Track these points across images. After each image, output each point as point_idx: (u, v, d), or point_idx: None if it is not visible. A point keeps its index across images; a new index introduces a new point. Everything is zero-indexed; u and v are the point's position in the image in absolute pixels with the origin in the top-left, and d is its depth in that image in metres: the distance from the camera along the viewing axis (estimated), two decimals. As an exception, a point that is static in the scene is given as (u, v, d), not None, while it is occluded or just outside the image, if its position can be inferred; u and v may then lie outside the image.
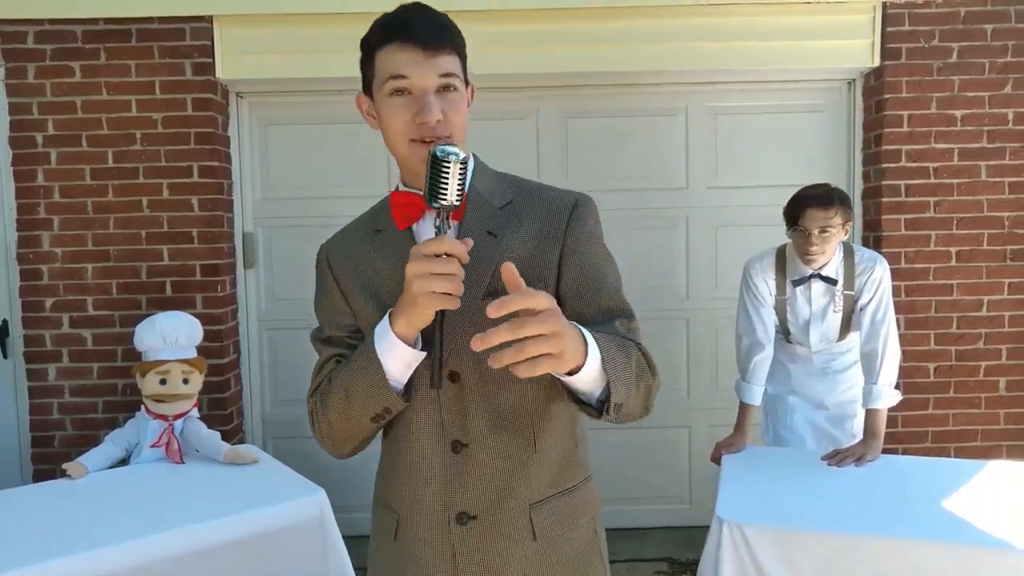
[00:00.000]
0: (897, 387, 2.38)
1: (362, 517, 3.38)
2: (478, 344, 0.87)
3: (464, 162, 1.01)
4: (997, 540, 1.79)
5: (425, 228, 1.18)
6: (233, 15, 3.07)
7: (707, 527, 1.98)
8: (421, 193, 1.09)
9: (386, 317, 1.07)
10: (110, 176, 3.09)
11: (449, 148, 1.00)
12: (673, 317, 3.47)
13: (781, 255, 2.49)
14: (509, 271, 0.93)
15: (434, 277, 0.97)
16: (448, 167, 1.00)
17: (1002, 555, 1.76)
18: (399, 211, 1.17)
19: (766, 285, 2.47)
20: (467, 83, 1.18)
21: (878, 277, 2.37)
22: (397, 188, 1.24)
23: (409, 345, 1.06)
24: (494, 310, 0.88)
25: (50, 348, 3.13)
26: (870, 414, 2.34)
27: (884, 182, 3.19)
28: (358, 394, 1.10)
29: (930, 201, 3.19)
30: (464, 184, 1.02)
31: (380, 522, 1.27)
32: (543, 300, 0.90)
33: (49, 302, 3.12)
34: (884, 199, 3.19)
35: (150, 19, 3.04)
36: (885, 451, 2.34)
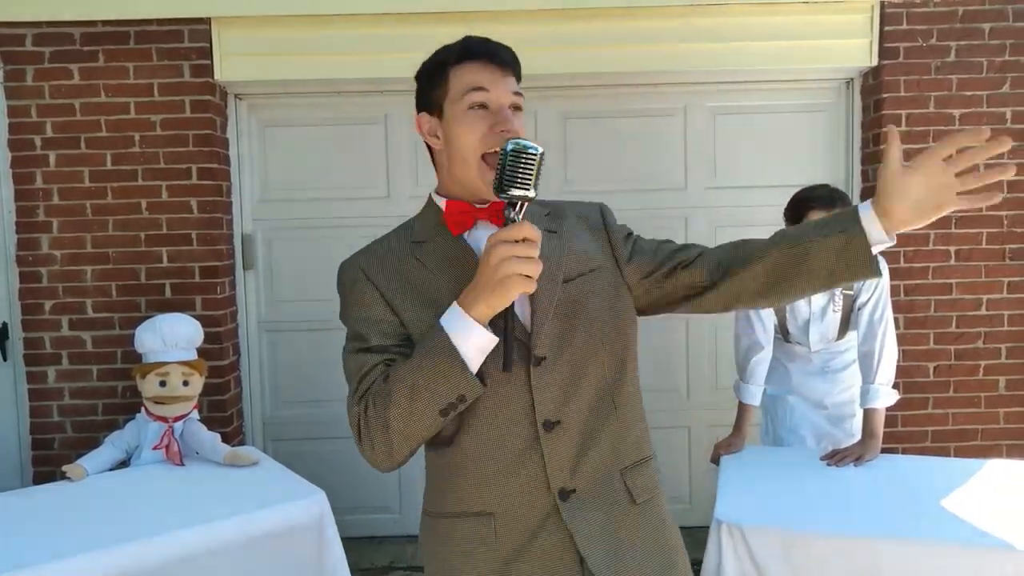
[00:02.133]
0: (895, 386, 2.38)
1: (361, 519, 3.41)
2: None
3: (543, 156, 1.07)
4: (997, 539, 1.79)
5: (478, 235, 1.22)
6: (231, 17, 3.07)
7: (707, 527, 1.98)
8: (471, 203, 1.21)
9: (453, 307, 1.09)
10: (109, 178, 3.09)
11: (527, 142, 1.07)
12: (672, 318, 3.47)
13: None
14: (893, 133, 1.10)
15: (519, 260, 1.03)
16: (531, 159, 1.06)
17: (1002, 554, 1.76)
18: (454, 219, 1.23)
19: None
20: None
21: (875, 279, 2.37)
22: (433, 200, 1.30)
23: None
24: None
25: (50, 351, 3.13)
26: (868, 414, 2.34)
27: (883, 181, 3.18)
28: (427, 384, 1.08)
29: (929, 200, 3.19)
30: (539, 177, 1.08)
31: (464, 535, 1.22)
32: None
33: (48, 304, 3.12)
34: (883, 198, 3.19)
35: (148, 21, 3.04)
36: (884, 450, 2.34)
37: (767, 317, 2.48)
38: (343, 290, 1.26)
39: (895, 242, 1.11)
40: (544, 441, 1.18)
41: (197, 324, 2.71)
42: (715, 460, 2.43)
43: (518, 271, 1.03)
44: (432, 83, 1.25)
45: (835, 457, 2.28)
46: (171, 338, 2.59)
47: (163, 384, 2.55)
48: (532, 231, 1.05)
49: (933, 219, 1.09)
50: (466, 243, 1.23)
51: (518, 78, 1.24)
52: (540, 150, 1.07)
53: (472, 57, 1.21)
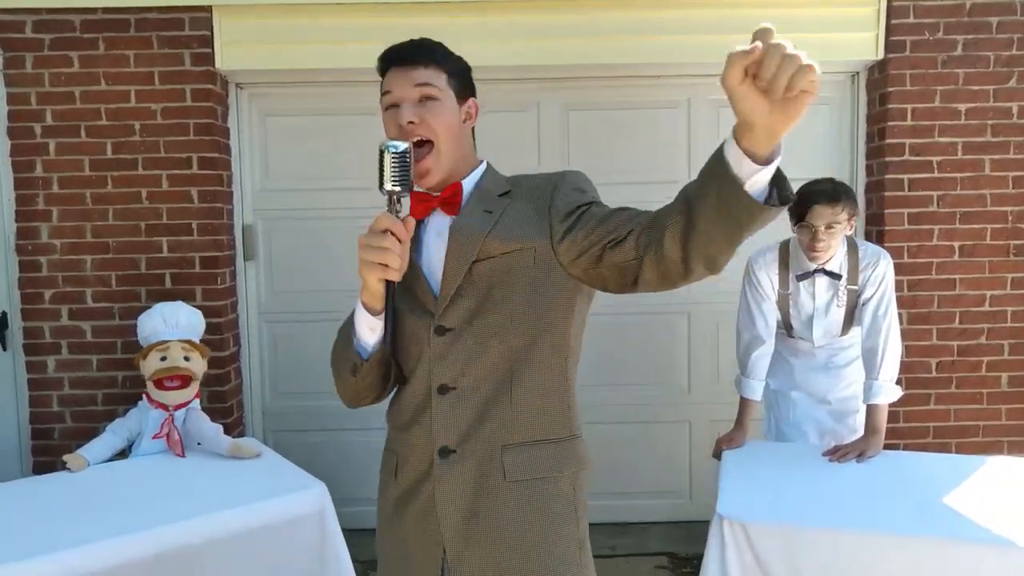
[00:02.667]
0: (898, 383, 2.37)
1: (362, 511, 3.41)
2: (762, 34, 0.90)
3: (403, 153, 1.17)
4: (998, 536, 1.79)
5: (432, 221, 1.35)
6: (232, 5, 3.05)
7: (708, 522, 1.97)
8: (421, 191, 1.34)
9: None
10: (109, 167, 3.07)
11: (390, 142, 1.18)
12: (674, 311, 3.46)
13: (784, 249, 2.47)
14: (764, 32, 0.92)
15: (370, 249, 1.16)
16: (392, 158, 1.17)
17: (1003, 551, 1.76)
18: (413, 208, 1.35)
19: (769, 280, 2.45)
20: (463, 97, 1.35)
21: (882, 272, 2.36)
22: None
23: (374, 315, 1.25)
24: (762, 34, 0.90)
25: (49, 340, 3.12)
26: (871, 410, 2.33)
27: (887, 176, 3.17)
28: (338, 351, 1.34)
29: (933, 195, 3.18)
30: (406, 174, 1.18)
31: (385, 463, 1.42)
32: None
33: (48, 294, 3.11)
34: (887, 193, 3.17)
35: (149, 8, 3.01)
36: (886, 446, 2.34)
37: (769, 312, 2.46)
38: None
39: (771, 163, 0.99)
40: (435, 403, 1.29)
41: (198, 313, 2.71)
42: (716, 455, 2.42)
43: (370, 259, 1.16)
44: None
45: (837, 453, 2.28)
46: (171, 318, 2.61)
47: (163, 359, 2.54)
48: (390, 222, 1.15)
49: (790, 116, 0.96)
50: (425, 228, 1.36)
51: (435, 65, 1.30)
52: (400, 147, 1.17)
53: (386, 65, 1.33)
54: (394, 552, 1.37)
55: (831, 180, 2.37)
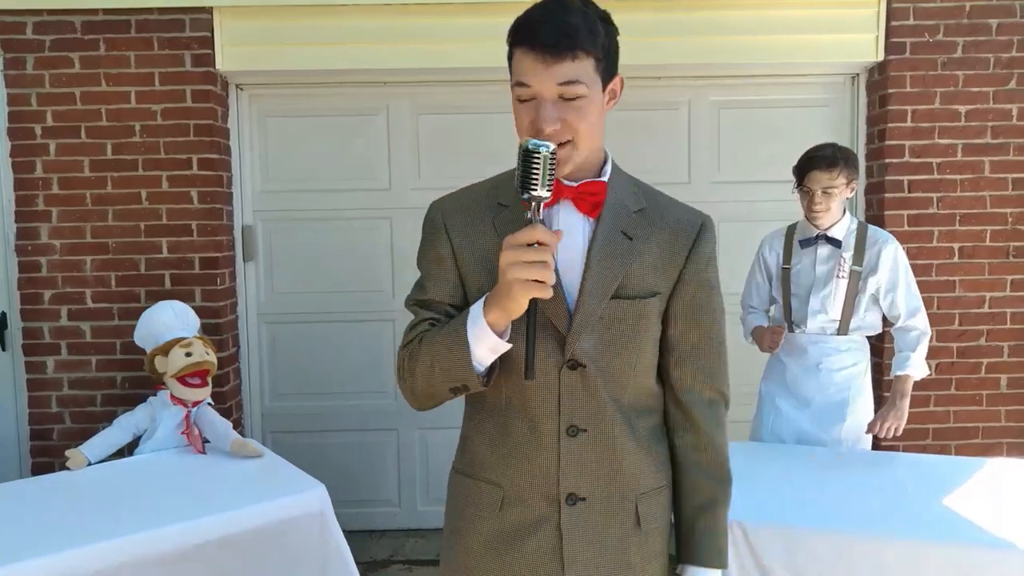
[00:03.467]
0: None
1: (362, 511, 3.41)
2: None
3: (554, 155, 1.04)
4: (998, 539, 1.79)
5: (558, 214, 1.20)
6: (233, 6, 3.05)
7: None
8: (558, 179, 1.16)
9: (481, 301, 1.12)
10: (109, 168, 3.07)
11: (539, 141, 1.04)
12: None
13: (792, 228, 2.58)
14: None
15: (526, 265, 1.02)
16: (537, 159, 1.03)
17: (1003, 554, 1.75)
18: None
19: (771, 255, 2.59)
20: (610, 77, 1.18)
21: (891, 254, 2.41)
22: None
23: (498, 334, 1.10)
24: None
25: (49, 341, 3.12)
26: (899, 379, 2.42)
27: (887, 177, 3.17)
28: (442, 365, 1.14)
29: (933, 197, 3.18)
30: (552, 177, 1.05)
31: (476, 495, 1.26)
32: None
33: (48, 294, 3.11)
34: (887, 194, 3.18)
35: (149, 10, 3.01)
36: (885, 448, 2.34)
37: (762, 283, 2.63)
38: (424, 231, 1.29)
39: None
40: (564, 444, 1.19)
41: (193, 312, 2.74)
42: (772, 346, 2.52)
43: (523, 276, 1.02)
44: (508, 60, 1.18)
45: (875, 427, 2.40)
46: (182, 315, 2.62)
47: (189, 355, 2.54)
48: (544, 234, 1.03)
49: None
50: (541, 221, 1.17)
51: (585, 53, 1.10)
52: (550, 148, 1.04)
53: (520, 42, 1.12)
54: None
55: (832, 145, 2.45)
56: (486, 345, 1.11)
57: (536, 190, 1.04)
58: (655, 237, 1.22)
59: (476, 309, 1.12)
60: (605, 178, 1.23)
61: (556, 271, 1.12)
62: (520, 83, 1.12)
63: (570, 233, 1.18)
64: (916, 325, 2.43)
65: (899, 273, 2.42)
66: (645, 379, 1.24)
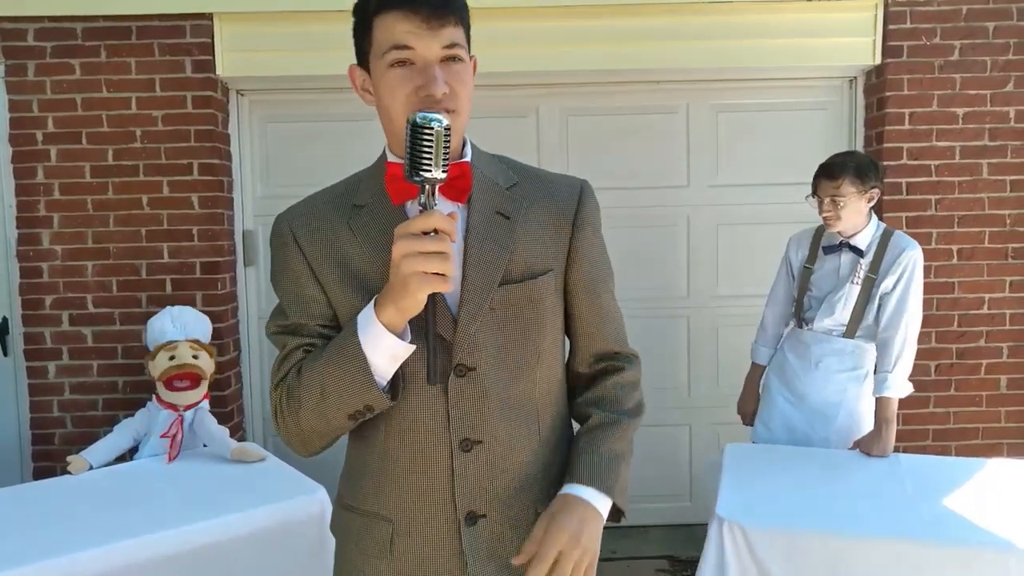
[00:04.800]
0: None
1: (362, 515, 3.41)
2: (519, 560, 1.00)
3: (448, 129, 0.92)
4: (998, 539, 1.79)
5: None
6: (233, 12, 3.06)
7: (707, 525, 1.97)
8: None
9: (370, 305, 0.99)
10: (110, 174, 3.08)
11: (431, 114, 0.91)
12: (674, 315, 3.47)
13: (820, 229, 2.59)
14: (520, 561, 1.01)
15: (424, 257, 0.90)
16: (431, 134, 0.90)
17: (1003, 555, 1.76)
18: (396, 185, 1.05)
19: (797, 254, 2.62)
20: (469, 53, 1.08)
21: (904, 261, 2.39)
22: (384, 157, 1.14)
23: (397, 336, 0.98)
24: (520, 559, 0.99)
25: (50, 346, 3.13)
26: (879, 403, 2.39)
27: (885, 180, 3.18)
28: (336, 390, 1.00)
29: (931, 199, 3.19)
30: (447, 155, 0.93)
31: (364, 533, 1.13)
32: (558, 542, 0.99)
33: (49, 300, 3.11)
34: (885, 197, 3.18)
35: (150, 16, 3.03)
36: (885, 449, 2.35)
37: (785, 284, 2.65)
38: (273, 249, 1.16)
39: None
40: (457, 460, 1.07)
41: (206, 318, 2.74)
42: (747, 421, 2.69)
43: (421, 268, 0.90)
44: (358, 32, 1.07)
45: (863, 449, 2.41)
46: (179, 319, 2.64)
47: (172, 358, 2.55)
48: (441, 220, 0.91)
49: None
50: (407, 216, 1.06)
51: (459, 20, 1.02)
52: (444, 121, 0.91)
53: (392, 4, 1.00)
54: None
55: (847, 154, 2.48)
56: (386, 352, 0.98)
57: (430, 171, 0.91)
58: (534, 211, 1.11)
59: (366, 315, 0.99)
60: (467, 158, 1.11)
61: None
62: (400, 46, 1.00)
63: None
64: (895, 336, 2.37)
65: (903, 279, 2.38)
66: (550, 368, 1.14)
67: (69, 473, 2.39)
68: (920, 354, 3.20)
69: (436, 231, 0.91)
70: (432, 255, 0.90)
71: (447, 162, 0.93)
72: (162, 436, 2.51)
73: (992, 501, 2.00)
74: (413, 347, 1.00)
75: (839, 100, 3.40)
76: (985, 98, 3.15)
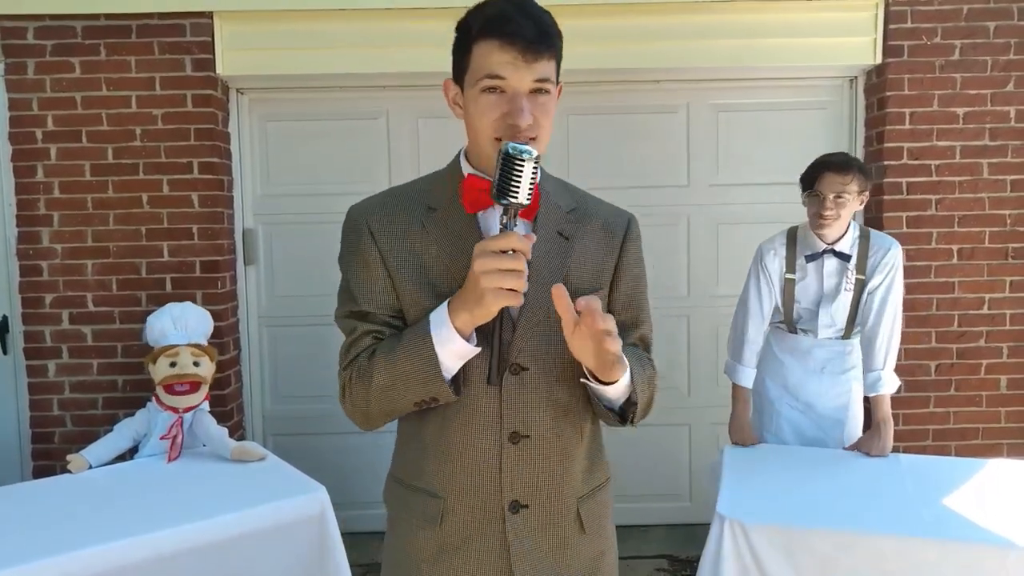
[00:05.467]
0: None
1: (362, 514, 3.41)
2: (558, 290, 1.01)
3: (537, 161, 1.02)
4: (997, 538, 1.79)
5: (492, 217, 1.17)
6: (233, 11, 3.06)
7: (708, 524, 1.98)
8: (482, 177, 1.15)
9: (444, 307, 1.08)
10: (110, 172, 3.08)
11: (522, 146, 1.01)
12: (674, 314, 3.47)
13: (792, 234, 2.50)
14: (559, 292, 1.02)
15: (502, 274, 1.00)
16: (522, 165, 1.00)
17: (1002, 553, 1.76)
18: (471, 196, 1.15)
19: (777, 264, 2.47)
20: (558, 84, 1.18)
21: (891, 260, 2.38)
22: (459, 164, 1.23)
23: (464, 339, 1.07)
24: (601, 321, 1.00)
25: (50, 344, 3.13)
26: (878, 400, 2.38)
27: (885, 180, 3.18)
28: (406, 381, 1.10)
29: (931, 199, 3.19)
30: (534, 183, 1.03)
31: (415, 506, 1.22)
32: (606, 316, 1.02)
33: (49, 298, 3.11)
34: (885, 196, 3.18)
35: (150, 15, 3.03)
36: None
37: (767, 298, 2.47)
38: (346, 237, 1.23)
39: (614, 386, 1.13)
40: (506, 452, 1.17)
41: (207, 314, 2.72)
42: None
43: (499, 285, 1.00)
44: (458, 51, 1.16)
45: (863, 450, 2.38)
46: (181, 320, 2.62)
47: (173, 365, 2.55)
48: (520, 242, 1.00)
49: (612, 359, 1.06)
50: (478, 225, 1.17)
51: (553, 54, 1.13)
52: (534, 153, 1.01)
53: (493, 34, 1.09)
54: None
55: (844, 153, 2.43)
56: (454, 352, 1.08)
57: (517, 197, 1.01)
58: (589, 235, 1.23)
59: (439, 315, 1.08)
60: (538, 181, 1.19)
61: None
62: (494, 75, 1.09)
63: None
64: (880, 333, 2.37)
65: (887, 278, 2.38)
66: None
67: (69, 472, 2.39)
68: (920, 354, 3.23)
69: (514, 250, 1.00)
70: (509, 272, 1.00)
71: (532, 188, 1.02)
72: (162, 438, 2.51)
73: (992, 500, 2.00)
74: (478, 350, 1.10)
75: (839, 100, 3.40)
76: (986, 98, 3.15)
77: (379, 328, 1.17)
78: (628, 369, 1.12)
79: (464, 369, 1.13)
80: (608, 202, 1.31)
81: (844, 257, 2.39)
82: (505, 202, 1.02)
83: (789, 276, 2.46)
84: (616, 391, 1.13)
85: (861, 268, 2.40)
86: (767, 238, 2.55)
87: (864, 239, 2.41)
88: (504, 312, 1.10)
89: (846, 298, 2.42)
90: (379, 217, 1.19)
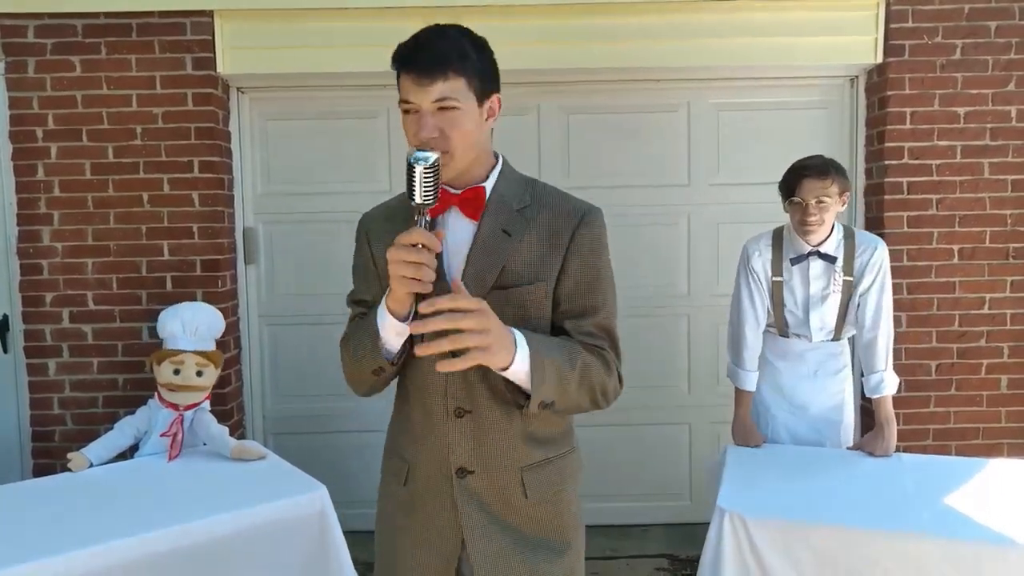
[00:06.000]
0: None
1: (363, 512, 3.40)
2: (416, 328, 1.14)
3: (434, 165, 1.16)
4: (997, 537, 1.79)
5: (450, 219, 1.34)
6: (234, 9, 3.06)
7: (707, 524, 1.98)
8: (447, 188, 1.31)
9: (387, 292, 1.26)
10: (110, 171, 3.08)
11: (420, 153, 1.17)
12: (674, 314, 3.47)
13: (778, 235, 2.47)
14: (455, 283, 1.17)
15: (403, 264, 1.16)
16: (416, 170, 1.16)
17: (1002, 552, 1.76)
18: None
19: (763, 265, 2.45)
20: (486, 96, 1.29)
21: (878, 260, 2.37)
22: None
23: (400, 320, 1.25)
24: (425, 307, 1.11)
25: (50, 343, 3.13)
26: (881, 402, 2.38)
27: (886, 179, 3.18)
28: (362, 352, 1.32)
29: (932, 199, 3.19)
30: (436, 185, 1.17)
31: (391, 468, 1.46)
32: (472, 302, 1.13)
33: (49, 297, 3.12)
34: (886, 196, 3.18)
35: (150, 13, 3.03)
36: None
37: (760, 299, 2.45)
38: (356, 238, 1.48)
39: (510, 370, 1.20)
40: (452, 424, 1.34)
41: (219, 315, 2.72)
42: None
43: (402, 273, 1.16)
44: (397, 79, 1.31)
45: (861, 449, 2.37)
46: (191, 325, 2.61)
47: (176, 372, 2.55)
48: (422, 236, 1.16)
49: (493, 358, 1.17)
50: (427, 224, 1.28)
51: (457, 74, 1.24)
52: (430, 159, 1.16)
53: (399, 66, 1.27)
54: (403, 541, 1.41)
55: (821, 156, 2.38)
56: (392, 330, 1.26)
57: (420, 198, 1.16)
58: (535, 230, 1.33)
59: (382, 301, 1.27)
60: (488, 183, 1.35)
61: (442, 269, 1.29)
62: (405, 100, 1.26)
63: (457, 236, 1.33)
64: (880, 334, 2.37)
65: (877, 277, 2.37)
66: None
67: (69, 470, 2.39)
68: (921, 354, 3.23)
69: (421, 244, 1.15)
70: (411, 264, 1.15)
71: (436, 190, 1.18)
72: (163, 435, 2.51)
73: (993, 499, 2.01)
74: (407, 327, 1.25)
75: (840, 99, 3.40)
76: (986, 97, 3.15)
77: (365, 312, 1.40)
78: (528, 358, 1.20)
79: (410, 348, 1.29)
80: (577, 198, 1.39)
81: (830, 259, 2.37)
82: (413, 203, 1.17)
83: (776, 279, 2.45)
84: (520, 376, 1.22)
85: (848, 269, 2.38)
86: (752, 237, 2.53)
87: (849, 239, 2.40)
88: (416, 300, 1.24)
89: (835, 300, 2.41)
90: (376, 225, 1.44)
